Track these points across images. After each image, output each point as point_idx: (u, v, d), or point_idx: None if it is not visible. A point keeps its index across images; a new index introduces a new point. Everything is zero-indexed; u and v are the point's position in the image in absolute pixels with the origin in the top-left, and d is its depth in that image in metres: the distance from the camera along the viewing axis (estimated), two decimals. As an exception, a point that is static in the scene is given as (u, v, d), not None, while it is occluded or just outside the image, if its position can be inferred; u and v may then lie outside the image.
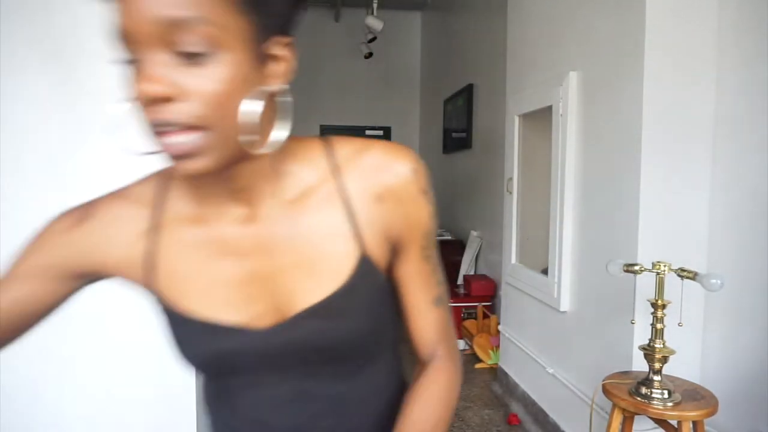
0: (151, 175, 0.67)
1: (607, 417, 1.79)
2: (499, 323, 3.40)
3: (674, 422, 1.63)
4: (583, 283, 2.37)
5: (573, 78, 2.39)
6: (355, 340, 0.60)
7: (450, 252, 4.39)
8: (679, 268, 1.65)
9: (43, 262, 0.63)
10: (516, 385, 3.04)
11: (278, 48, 0.53)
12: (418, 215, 0.62)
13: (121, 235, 0.61)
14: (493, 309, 3.99)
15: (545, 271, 2.67)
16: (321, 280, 0.58)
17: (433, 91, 5.99)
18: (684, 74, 1.93)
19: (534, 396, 2.82)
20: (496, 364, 3.43)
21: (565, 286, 2.47)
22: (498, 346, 3.45)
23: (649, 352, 1.66)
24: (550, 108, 2.59)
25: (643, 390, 1.64)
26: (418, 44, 6.87)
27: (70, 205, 0.68)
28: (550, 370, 2.61)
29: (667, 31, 1.91)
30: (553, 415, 2.61)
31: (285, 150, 0.58)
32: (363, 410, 0.65)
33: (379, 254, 0.60)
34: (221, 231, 0.58)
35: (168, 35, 0.45)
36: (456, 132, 5.04)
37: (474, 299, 4.04)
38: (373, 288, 0.61)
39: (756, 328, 1.79)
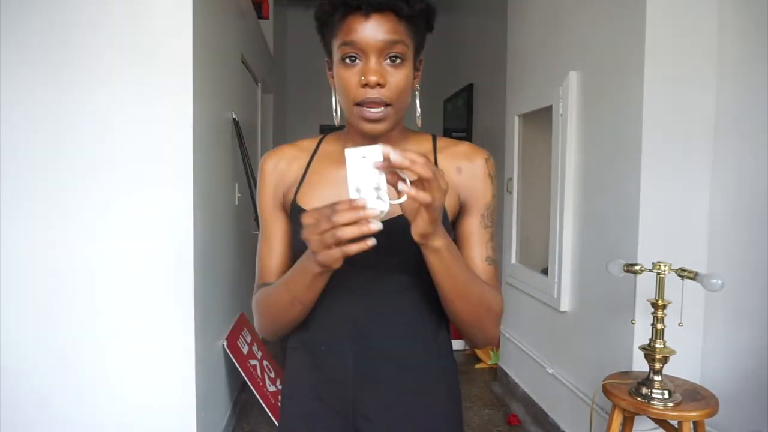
0: (315, 137, 0.97)
1: (608, 417, 1.79)
2: (499, 323, 3.39)
3: (675, 422, 1.63)
4: (583, 283, 2.37)
5: (573, 78, 2.38)
6: (418, 253, 0.76)
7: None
8: (679, 268, 1.65)
9: (271, 196, 0.93)
10: (516, 385, 3.04)
11: (419, 63, 0.88)
12: (483, 189, 0.88)
13: (292, 170, 0.92)
14: (493, 309, 3.99)
15: (545, 271, 2.67)
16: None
17: (433, 91, 5.99)
18: (684, 74, 1.92)
19: (534, 396, 2.81)
20: (496, 364, 3.42)
21: (565, 286, 2.47)
22: (498, 347, 3.45)
23: (649, 352, 1.66)
24: (550, 108, 2.58)
25: (644, 390, 1.64)
26: (418, 44, 6.85)
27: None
28: (551, 370, 2.61)
29: (667, 31, 1.91)
30: (553, 415, 2.60)
31: (408, 132, 0.92)
32: (403, 316, 0.88)
33: (449, 204, 0.86)
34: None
35: (385, 49, 0.79)
36: (456, 132, 5.04)
37: (474, 299, 4.04)
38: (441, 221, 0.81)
39: (756, 328, 1.79)
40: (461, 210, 0.88)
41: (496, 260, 0.89)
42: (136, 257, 1.92)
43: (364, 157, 0.65)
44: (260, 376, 2.68)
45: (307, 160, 0.92)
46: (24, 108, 1.85)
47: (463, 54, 5.01)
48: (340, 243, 0.66)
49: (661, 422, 1.73)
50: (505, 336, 3.19)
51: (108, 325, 1.93)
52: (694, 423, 1.62)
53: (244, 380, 2.63)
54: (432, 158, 0.89)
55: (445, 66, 5.58)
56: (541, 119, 2.78)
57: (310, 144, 0.95)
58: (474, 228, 0.88)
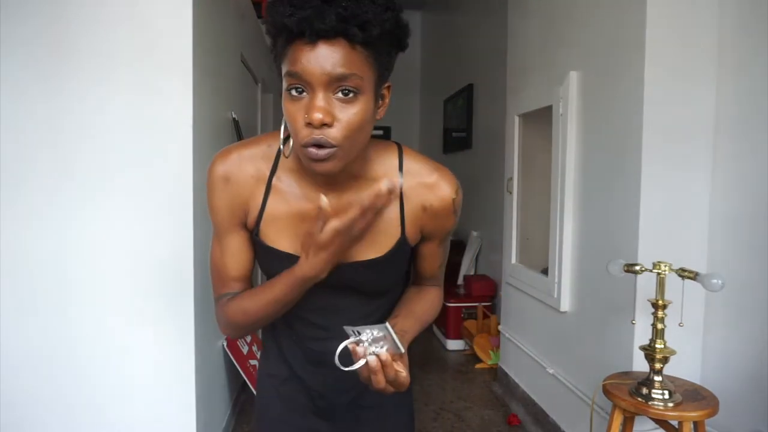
0: (272, 138, 0.88)
1: (608, 417, 1.79)
2: (499, 323, 3.40)
3: (675, 423, 1.63)
4: (583, 283, 2.37)
5: (573, 78, 2.38)
6: (381, 286, 0.92)
7: (450, 252, 4.35)
8: (679, 268, 1.65)
9: (227, 212, 0.89)
10: (516, 386, 3.04)
11: (385, 90, 0.79)
12: (445, 225, 0.91)
13: (247, 191, 0.87)
14: (493, 309, 3.99)
15: (545, 271, 2.67)
16: (371, 248, 0.86)
17: (433, 91, 5.99)
18: (684, 74, 1.92)
19: (534, 396, 2.81)
20: (497, 364, 3.42)
21: (566, 286, 2.47)
22: (498, 347, 3.44)
23: (649, 352, 1.66)
24: (550, 108, 2.58)
25: (644, 390, 1.64)
26: (418, 44, 6.86)
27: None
28: (551, 371, 2.60)
29: (667, 31, 1.91)
30: (554, 415, 2.60)
31: (371, 160, 0.85)
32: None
33: (412, 238, 0.89)
34: (313, 204, 0.83)
35: (333, 83, 0.69)
36: (456, 132, 5.04)
37: (474, 299, 4.04)
38: (403, 257, 0.91)
39: (756, 328, 1.79)
40: (422, 237, 0.92)
41: (444, 262, 1.01)
42: (136, 257, 1.92)
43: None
44: (260, 376, 2.68)
45: (266, 182, 0.85)
46: (23, 107, 1.85)
47: (463, 54, 5.01)
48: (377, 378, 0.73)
49: (661, 422, 1.73)
50: (505, 336, 3.19)
51: (108, 326, 1.93)
52: (695, 423, 1.62)
53: (244, 380, 2.63)
54: (398, 193, 0.86)
55: (445, 66, 5.58)
56: (541, 119, 2.78)
57: (265, 157, 0.86)
58: (432, 249, 0.95)
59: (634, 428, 1.78)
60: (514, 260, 3.08)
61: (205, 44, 2.10)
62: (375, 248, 0.86)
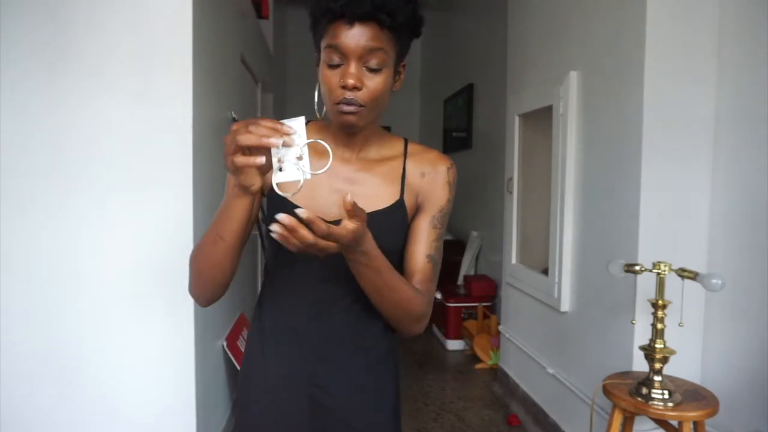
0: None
1: (608, 417, 1.79)
2: (499, 323, 3.40)
3: (675, 423, 1.63)
4: (583, 283, 2.37)
5: (573, 78, 2.38)
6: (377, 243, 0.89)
7: (450, 252, 4.39)
8: (679, 268, 1.65)
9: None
10: (516, 386, 3.04)
11: (401, 68, 0.94)
12: (440, 195, 0.98)
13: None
14: (493, 309, 3.99)
15: (545, 271, 2.67)
16: (374, 204, 0.94)
17: (433, 91, 5.99)
18: (684, 74, 1.93)
19: (534, 396, 2.81)
20: (497, 364, 3.42)
21: (566, 286, 2.47)
22: (498, 347, 3.45)
23: (649, 352, 1.66)
24: (550, 108, 2.58)
25: (644, 390, 1.64)
26: (418, 44, 6.86)
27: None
28: (551, 371, 2.61)
29: (667, 31, 1.91)
30: (554, 415, 2.60)
31: (384, 135, 1.00)
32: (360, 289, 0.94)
33: (409, 203, 0.97)
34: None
35: (365, 55, 0.84)
36: (456, 132, 5.05)
37: (474, 299, 4.04)
38: (400, 221, 0.96)
39: (756, 328, 1.79)
40: (417, 210, 0.98)
41: (437, 260, 0.98)
42: (136, 258, 1.92)
43: (292, 129, 0.71)
44: (260, 376, 2.68)
45: None
46: (23, 109, 1.85)
47: (463, 54, 5.01)
48: (236, 150, 0.72)
49: (661, 422, 1.73)
50: (505, 336, 3.19)
51: (108, 326, 1.93)
52: (695, 423, 1.62)
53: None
54: (401, 160, 0.99)
55: (445, 66, 5.58)
56: (541, 119, 2.78)
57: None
58: (423, 226, 0.97)
59: (634, 428, 1.78)
60: (514, 260, 3.08)
61: (205, 44, 2.10)
62: (374, 203, 0.94)
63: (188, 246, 1.92)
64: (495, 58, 3.86)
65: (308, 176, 0.73)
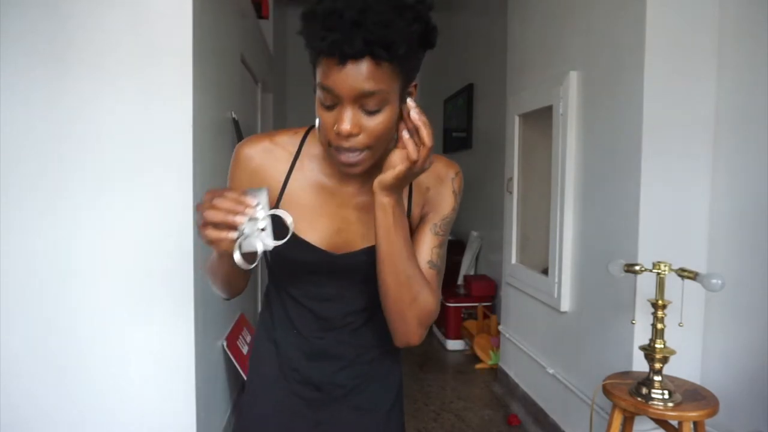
0: (297, 131, 0.94)
1: (608, 417, 1.79)
2: (499, 323, 3.40)
3: (675, 423, 1.63)
4: (583, 283, 2.37)
5: (573, 78, 2.38)
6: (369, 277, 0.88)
7: (450, 252, 4.35)
8: (679, 268, 1.65)
9: (247, 183, 0.90)
10: (516, 386, 3.04)
11: (411, 88, 0.81)
12: (444, 204, 0.92)
13: (271, 169, 0.91)
14: (493, 309, 3.99)
15: (545, 271, 2.67)
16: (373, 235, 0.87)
17: (433, 91, 5.99)
18: (684, 74, 1.93)
19: (534, 396, 2.81)
20: (497, 364, 3.42)
21: (566, 286, 2.47)
22: (498, 347, 3.45)
23: (649, 352, 1.66)
24: (550, 108, 2.58)
25: (644, 390, 1.64)
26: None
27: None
28: (551, 371, 2.61)
29: (667, 31, 1.91)
30: (554, 415, 2.60)
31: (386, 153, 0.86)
32: (371, 313, 0.96)
33: (415, 216, 0.92)
34: (337, 188, 0.91)
35: (360, 98, 0.74)
36: (456, 132, 5.04)
37: (474, 299, 4.04)
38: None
39: (756, 328, 1.79)
40: (420, 219, 0.93)
41: (440, 267, 0.92)
42: (136, 257, 1.92)
43: (255, 201, 0.71)
44: (260, 376, 2.68)
45: (288, 165, 0.91)
46: (23, 107, 1.85)
47: (463, 54, 5.01)
48: (206, 224, 0.71)
49: (661, 422, 1.73)
50: (505, 336, 3.19)
51: (108, 326, 1.93)
52: (694, 423, 1.62)
53: (244, 380, 2.63)
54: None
55: (445, 66, 5.58)
56: (541, 119, 2.78)
57: (291, 142, 0.92)
58: (424, 232, 0.92)
59: (634, 428, 1.78)
60: (514, 260, 3.08)
61: (205, 44, 2.10)
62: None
63: (188, 246, 1.92)
64: (495, 58, 3.86)
65: (270, 247, 0.72)
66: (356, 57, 0.71)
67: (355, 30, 0.69)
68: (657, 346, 1.65)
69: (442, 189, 0.92)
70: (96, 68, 1.87)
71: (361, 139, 0.77)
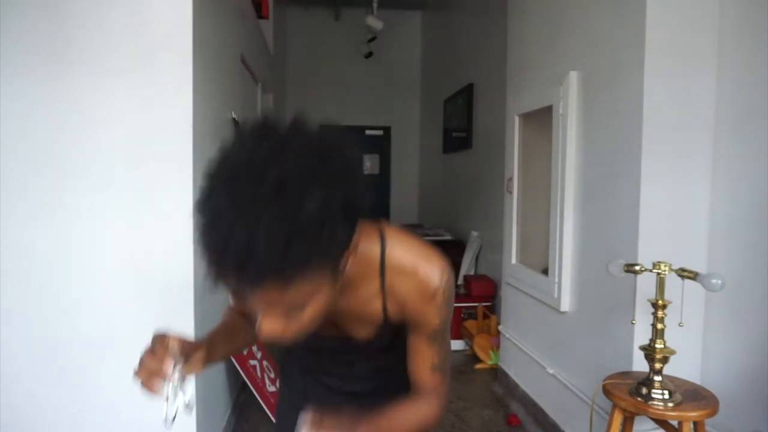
0: None
1: (608, 417, 1.79)
2: (499, 323, 3.40)
3: (675, 423, 1.63)
4: (583, 283, 2.37)
5: (573, 78, 2.38)
6: (379, 347, 0.93)
7: (450, 252, 4.36)
8: (679, 268, 1.65)
9: None
10: (516, 386, 3.04)
11: (346, 257, 0.69)
12: (429, 321, 0.86)
13: None
14: (493, 309, 3.99)
15: (545, 271, 2.67)
16: (362, 330, 0.91)
17: (433, 91, 5.99)
18: (684, 74, 1.92)
19: (534, 396, 2.81)
20: (496, 364, 3.42)
21: (566, 286, 2.47)
22: (498, 347, 3.44)
23: (649, 352, 1.66)
24: (550, 108, 2.58)
25: (644, 390, 1.63)
26: (418, 44, 6.86)
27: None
28: (551, 371, 2.60)
29: (667, 30, 1.91)
30: (554, 415, 2.60)
31: (353, 274, 0.77)
32: (369, 380, 1.04)
33: (398, 320, 0.88)
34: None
35: (282, 311, 0.66)
36: (456, 132, 5.04)
37: (474, 299, 4.04)
38: (388, 331, 0.90)
39: (756, 328, 1.79)
40: (409, 325, 0.88)
41: (443, 364, 0.89)
42: (136, 258, 1.92)
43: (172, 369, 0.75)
44: (260, 376, 2.68)
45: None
46: (23, 107, 1.85)
47: (463, 54, 5.01)
48: (141, 369, 0.75)
49: (661, 422, 1.73)
50: (505, 336, 3.19)
51: (107, 326, 1.93)
52: (695, 423, 1.62)
53: (244, 380, 2.63)
54: (380, 298, 0.85)
55: (445, 66, 5.58)
56: (541, 119, 2.78)
57: None
58: (420, 344, 0.88)
59: (634, 428, 1.78)
60: (514, 260, 3.08)
61: (205, 44, 2.10)
62: (362, 332, 0.91)
63: (188, 246, 1.92)
64: (495, 58, 3.86)
65: (191, 408, 0.75)
66: (252, 289, 0.61)
67: (241, 272, 0.58)
68: (657, 346, 1.64)
69: (425, 308, 0.83)
70: (96, 68, 1.87)
71: (288, 334, 0.69)
